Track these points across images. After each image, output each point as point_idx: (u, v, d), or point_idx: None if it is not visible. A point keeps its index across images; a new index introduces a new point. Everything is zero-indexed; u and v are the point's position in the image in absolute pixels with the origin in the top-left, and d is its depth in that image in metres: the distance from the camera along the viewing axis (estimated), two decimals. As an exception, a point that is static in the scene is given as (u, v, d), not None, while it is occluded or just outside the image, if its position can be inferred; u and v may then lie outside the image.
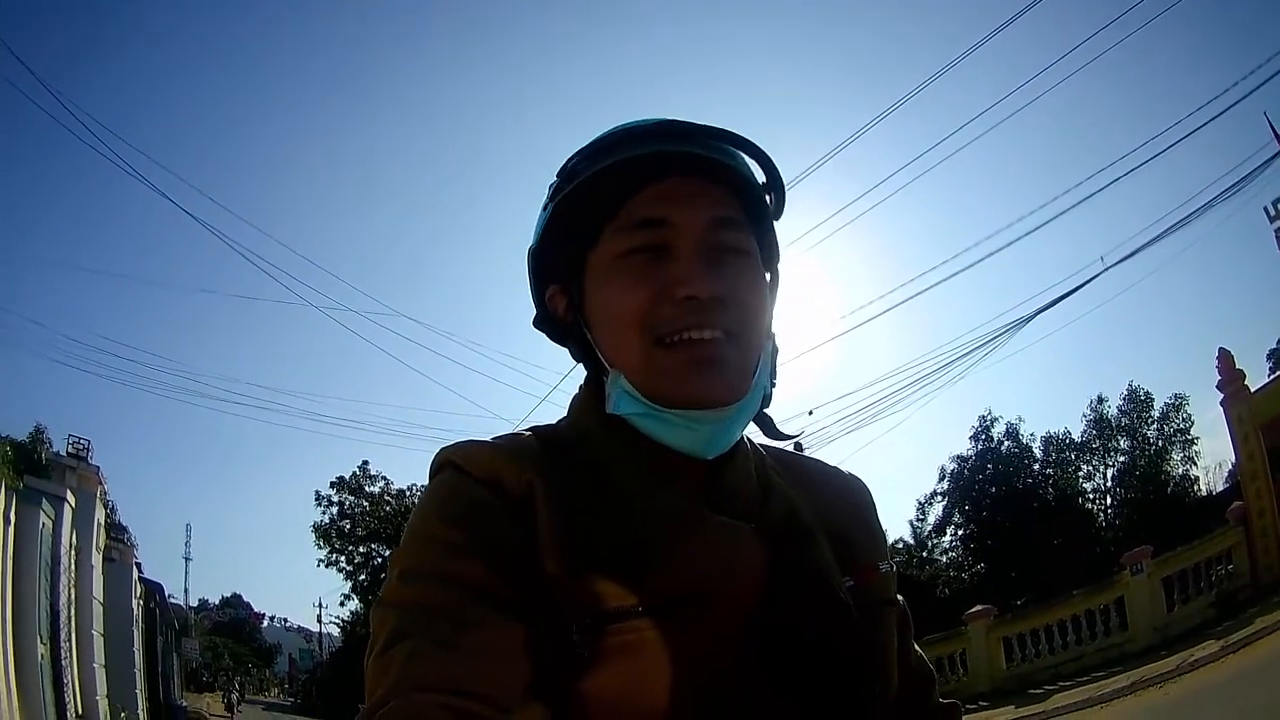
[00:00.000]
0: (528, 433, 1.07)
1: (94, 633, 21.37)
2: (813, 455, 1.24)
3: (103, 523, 24.12)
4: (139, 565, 30.95)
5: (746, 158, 1.06)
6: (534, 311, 1.13)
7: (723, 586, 0.93)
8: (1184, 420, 32.02)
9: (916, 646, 1.23)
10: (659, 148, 0.99)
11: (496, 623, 0.85)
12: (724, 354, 0.99)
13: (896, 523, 34.71)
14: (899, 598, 1.17)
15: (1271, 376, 24.50)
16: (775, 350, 1.10)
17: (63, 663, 18.11)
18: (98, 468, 23.32)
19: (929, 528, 34.74)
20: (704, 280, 0.97)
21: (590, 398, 1.08)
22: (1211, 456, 38.04)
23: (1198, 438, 32.00)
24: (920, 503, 35.11)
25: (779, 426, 1.14)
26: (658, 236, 1.00)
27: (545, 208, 1.07)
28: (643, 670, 0.87)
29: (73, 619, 19.38)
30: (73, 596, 19.57)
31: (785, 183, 1.09)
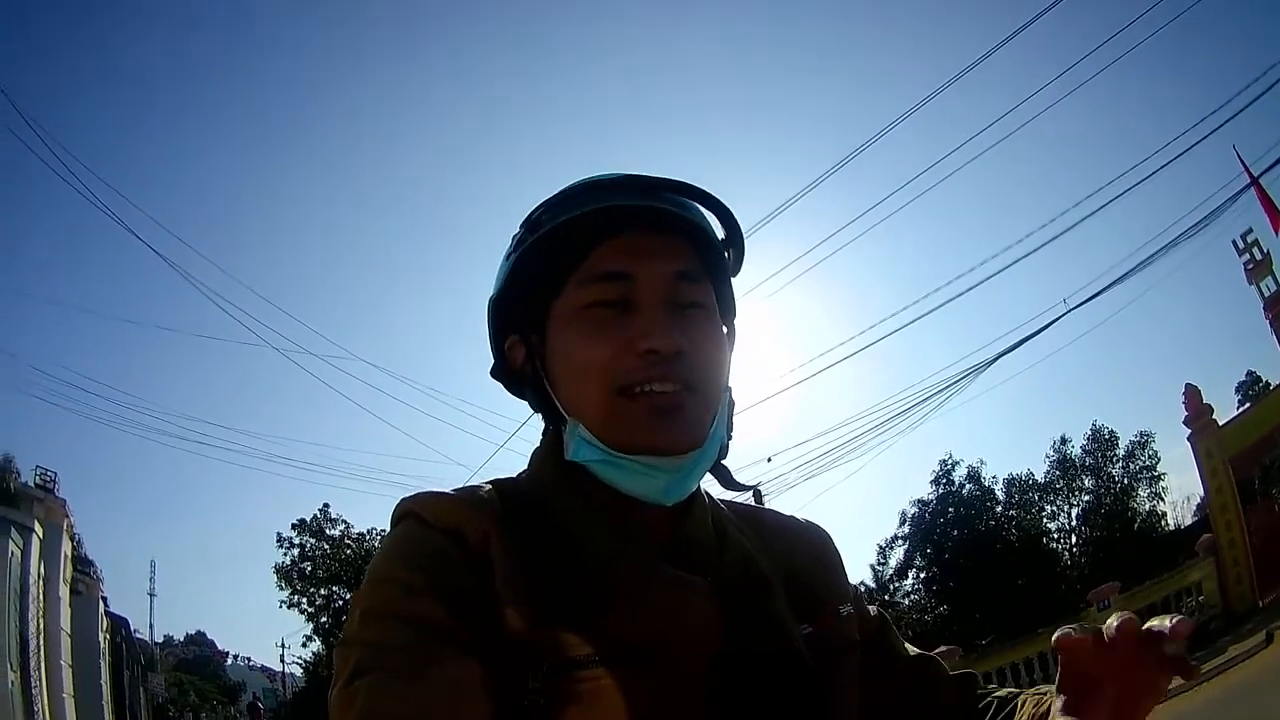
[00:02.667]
0: (487, 485, 1.06)
1: (62, 664, 21.04)
2: (771, 504, 1.28)
3: (69, 555, 23.85)
4: (105, 599, 30.62)
5: (707, 213, 1.07)
6: (492, 361, 1.14)
7: (677, 640, 0.94)
8: (1150, 457, 32.30)
9: (906, 644, 1.25)
10: (623, 201, 1.00)
11: (457, 660, 0.86)
12: (683, 404, 0.99)
13: (857, 567, 34.36)
14: (872, 609, 1.21)
15: (1240, 409, 24.97)
16: (731, 403, 1.11)
17: (33, 691, 17.85)
18: (64, 500, 23.14)
19: (890, 571, 34.68)
20: (666, 334, 0.98)
21: (548, 450, 1.09)
22: (1179, 491, 38.11)
23: (1164, 473, 32.31)
24: (881, 546, 35.09)
25: (735, 477, 1.15)
26: (621, 290, 1.00)
27: (508, 257, 1.07)
28: (599, 719, 0.88)
29: (42, 649, 19.09)
30: (41, 626, 19.32)
31: (745, 238, 1.11)
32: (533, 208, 1.07)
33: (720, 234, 1.09)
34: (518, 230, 1.08)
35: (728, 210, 1.07)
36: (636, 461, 0.99)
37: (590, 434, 1.01)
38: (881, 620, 1.22)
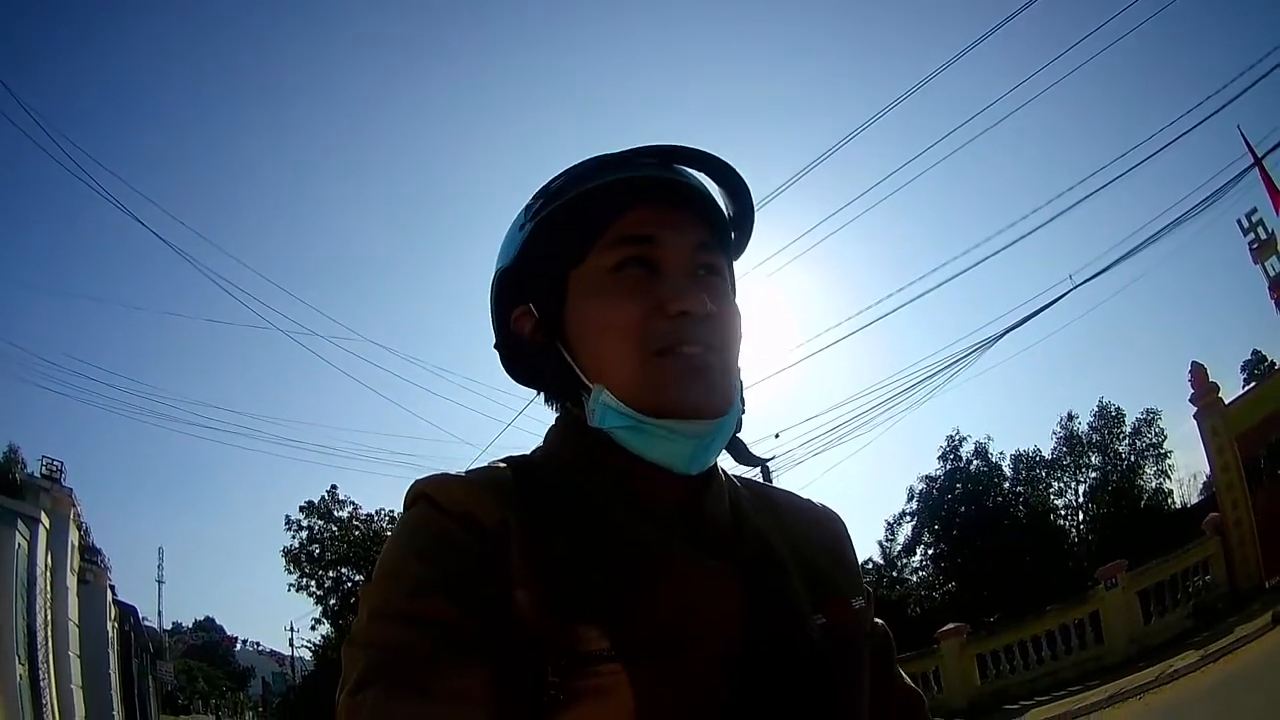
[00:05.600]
0: (502, 464, 1.05)
1: (70, 654, 21.10)
2: (780, 480, 1.24)
3: (76, 545, 23.89)
4: (113, 588, 30.70)
5: (718, 193, 1.09)
6: (494, 335, 1.13)
7: (698, 627, 0.92)
8: (1157, 435, 32.46)
9: (901, 671, 1.25)
10: (647, 173, 1.02)
11: (467, 665, 0.84)
12: (713, 366, 1.00)
13: (865, 543, 34.73)
14: (879, 622, 1.20)
15: (1246, 388, 24.90)
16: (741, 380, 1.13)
17: (41, 684, 17.89)
18: (71, 490, 23.14)
19: (898, 547, 35.00)
20: (697, 297, 0.98)
21: (564, 426, 1.09)
22: (1186, 469, 38.34)
23: (1171, 451, 32.47)
24: (889, 523, 35.46)
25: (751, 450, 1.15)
26: (648, 252, 1.01)
27: (522, 227, 1.07)
28: (618, 713, 0.86)
29: (49, 640, 19.13)
30: (49, 617, 19.35)
31: (754, 221, 1.13)
32: (549, 179, 1.06)
33: (729, 213, 1.10)
34: (532, 200, 1.07)
35: (746, 189, 1.09)
36: (663, 426, 0.99)
37: (616, 399, 1.00)
38: (886, 636, 1.23)
